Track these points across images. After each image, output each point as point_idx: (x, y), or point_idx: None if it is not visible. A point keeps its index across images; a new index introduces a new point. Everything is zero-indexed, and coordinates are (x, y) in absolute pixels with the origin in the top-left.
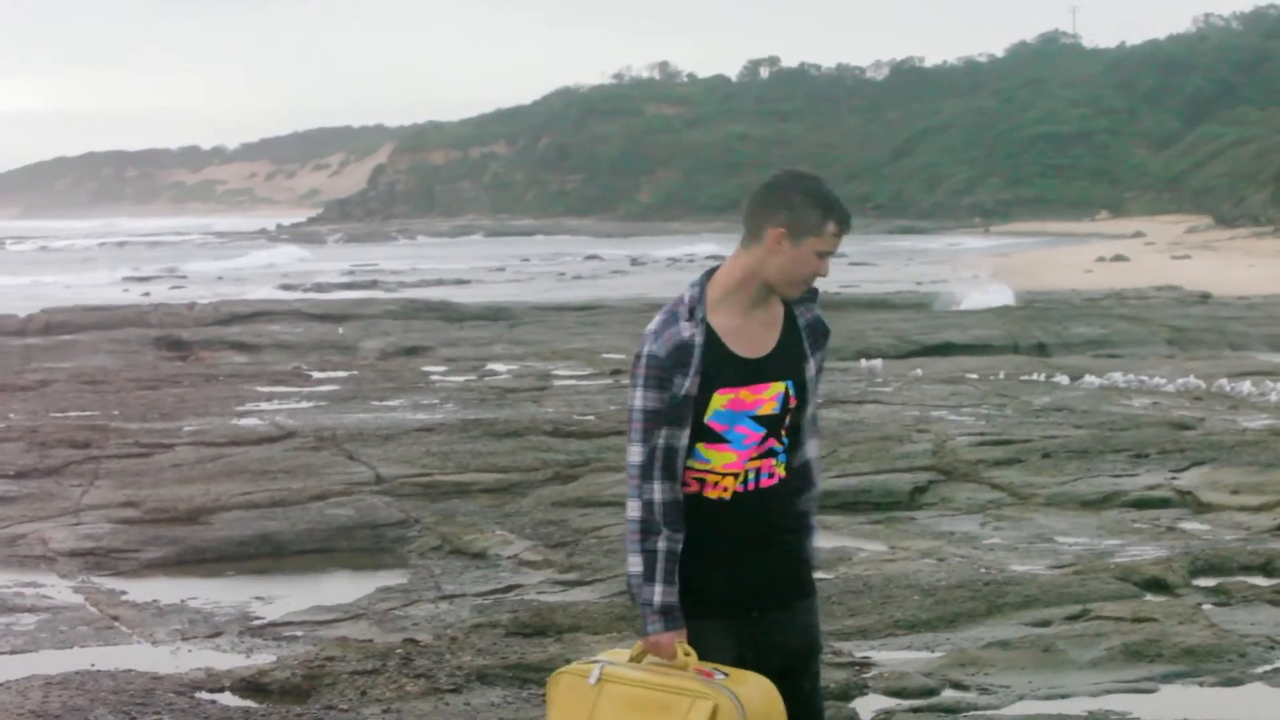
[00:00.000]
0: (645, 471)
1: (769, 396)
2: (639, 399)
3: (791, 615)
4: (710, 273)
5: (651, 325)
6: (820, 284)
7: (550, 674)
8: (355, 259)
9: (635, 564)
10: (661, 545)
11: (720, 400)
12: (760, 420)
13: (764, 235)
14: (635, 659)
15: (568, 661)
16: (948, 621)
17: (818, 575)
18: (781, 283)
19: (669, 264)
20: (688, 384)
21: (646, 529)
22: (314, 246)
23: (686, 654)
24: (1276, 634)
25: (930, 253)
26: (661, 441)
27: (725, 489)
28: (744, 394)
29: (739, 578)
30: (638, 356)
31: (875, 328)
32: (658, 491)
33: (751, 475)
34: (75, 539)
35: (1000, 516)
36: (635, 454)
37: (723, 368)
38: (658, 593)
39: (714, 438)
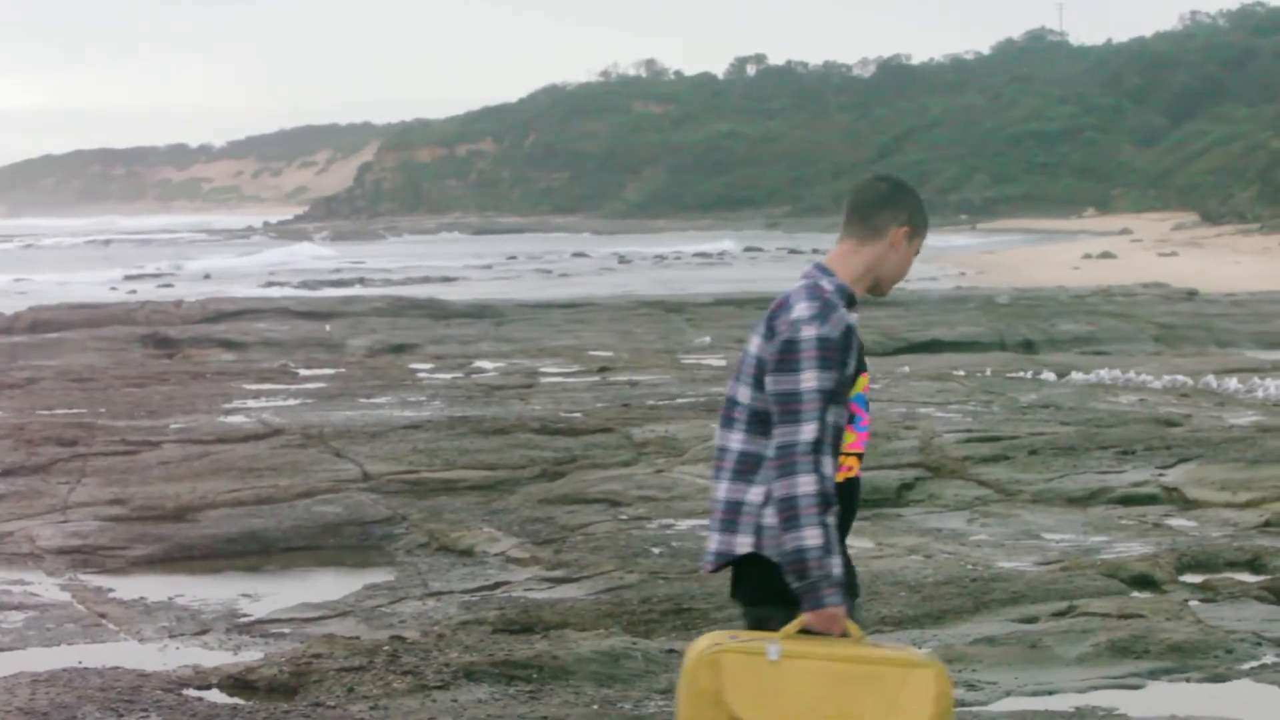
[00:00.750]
0: (820, 447)
1: (867, 384)
2: (815, 380)
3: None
4: (822, 266)
5: (804, 311)
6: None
7: (678, 657)
8: (361, 256)
9: (815, 537)
10: (831, 519)
11: (860, 384)
12: (867, 406)
13: (887, 233)
14: (791, 634)
15: (555, 658)
16: (935, 618)
17: None
18: (893, 278)
19: (656, 261)
20: (852, 366)
21: (825, 502)
22: (322, 244)
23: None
24: (1263, 630)
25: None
26: (831, 419)
27: (850, 468)
28: (866, 379)
29: (849, 563)
30: (796, 341)
31: (862, 324)
32: (828, 466)
33: (861, 460)
34: (62, 536)
35: (987, 513)
36: (810, 431)
37: (861, 354)
38: (837, 565)
39: (850, 419)
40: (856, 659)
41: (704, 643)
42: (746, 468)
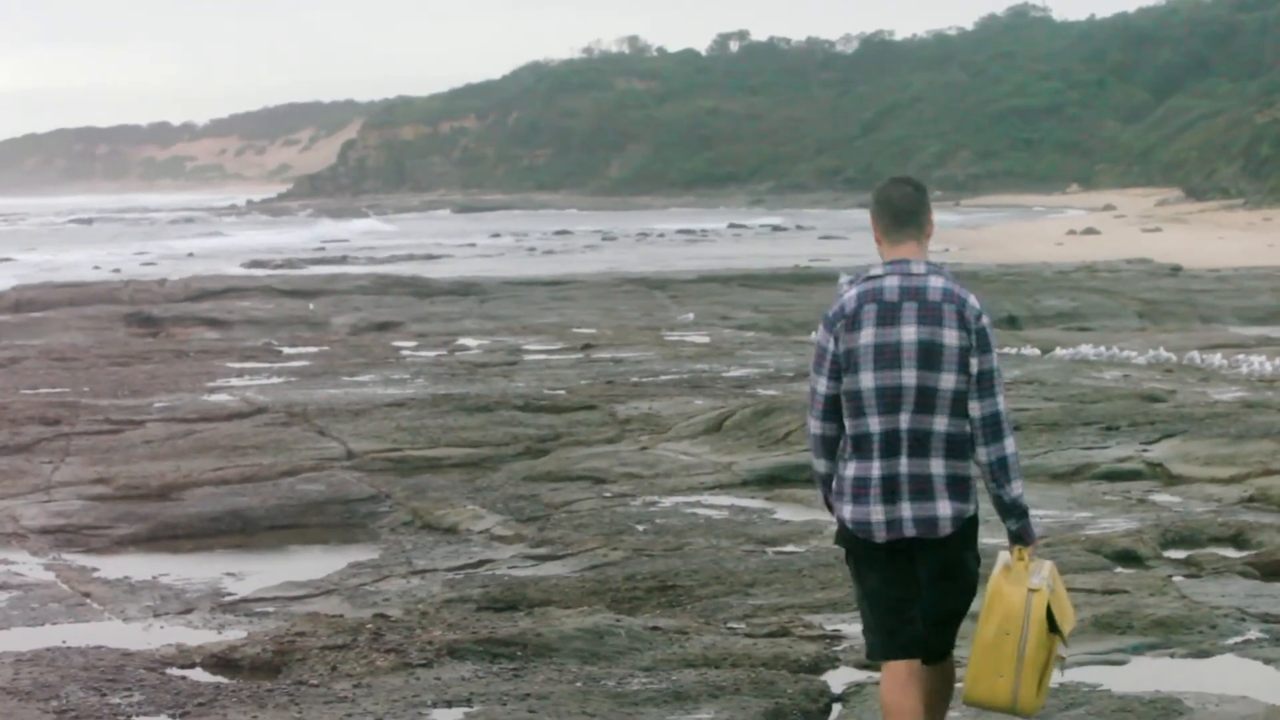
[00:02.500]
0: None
1: None
2: (998, 359)
3: None
4: (930, 263)
5: (977, 304)
6: (791, 259)
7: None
8: (413, 231)
9: (1021, 486)
10: None
11: None
12: None
13: (929, 227)
14: (1022, 560)
15: (539, 636)
16: None
17: (789, 548)
18: None
19: (639, 238)
20: None
21: (1018, 457)
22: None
23: None
24: (1247, 605)
25: None
26: None
27: None
28: None
29: None
30: (985, 330)
31: None
32: None
33: None
34: (46, 516)
35: None
36: (1004, 401)
37: None
38: None
39: None
40: (1055, 568)
41: (1017, 589)
42: (954, 444)
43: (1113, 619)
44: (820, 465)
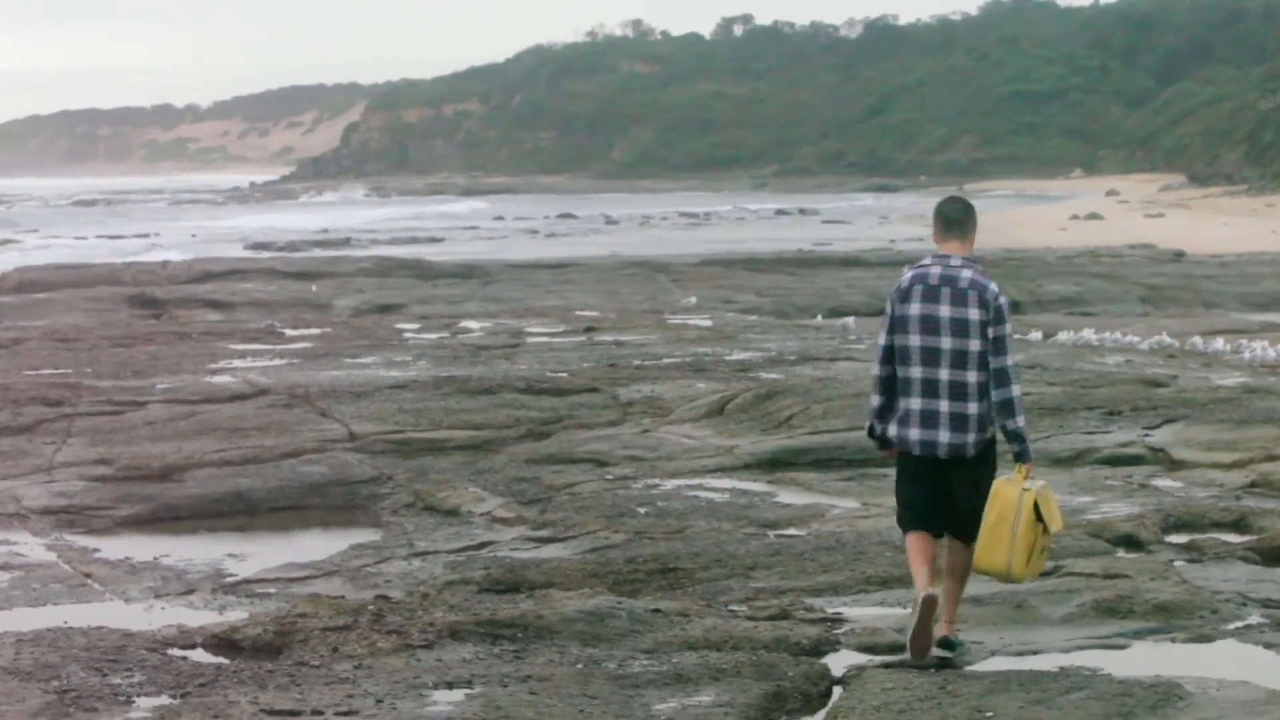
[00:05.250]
0: (1018, 368)
1: None
2: (1010, 328)
3: None
4: (966, 258)
5: (996, 288)
6: (793, 242)
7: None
8: (396, 214)
9: (1023, 420)
10: None
11: None
12: None
13: (972, 234)
14: (1021, 475)
15: (540, 618)
16: None
17: (791, 532)
18: None
19: (643, 222)
20: None
21: (1022, 400)
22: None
23: None
24: (1248, 590)
25: (904, 210)
26: None
27: None
28: None
29: None
30: (1001, 307)
31: (849, 285)
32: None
33: None
34: (48, 497)
35: None
36: (1015, 359)
37: None
38: None
39: None
40: (1048, 486)
41: (1013, 488)
42: (982, 391)
43: (1114, 603)
44: (874, 400)
